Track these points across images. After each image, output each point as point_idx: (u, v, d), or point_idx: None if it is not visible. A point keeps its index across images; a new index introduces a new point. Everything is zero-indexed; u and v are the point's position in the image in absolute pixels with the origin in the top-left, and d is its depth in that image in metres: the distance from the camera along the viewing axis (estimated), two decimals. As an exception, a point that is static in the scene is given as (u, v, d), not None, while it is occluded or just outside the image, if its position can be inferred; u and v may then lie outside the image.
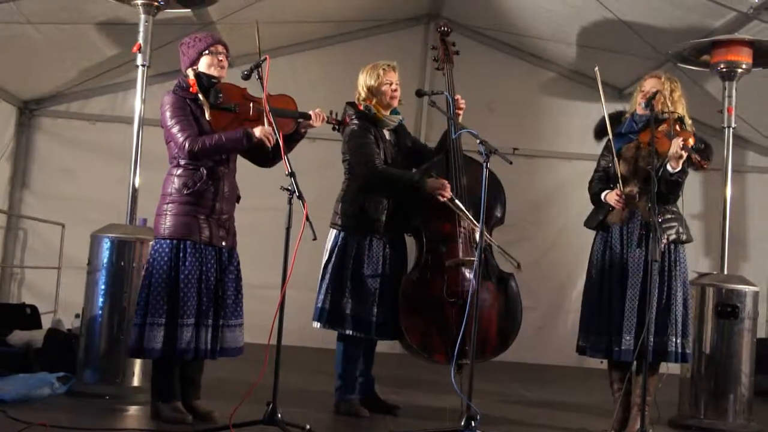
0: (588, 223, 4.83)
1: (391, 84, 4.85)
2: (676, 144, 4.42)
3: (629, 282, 4.55)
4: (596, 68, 4.84)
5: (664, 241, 4.56)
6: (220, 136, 4.23)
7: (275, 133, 4.19)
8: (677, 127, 4.53)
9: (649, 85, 4.68)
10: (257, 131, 4.24)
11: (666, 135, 4.51)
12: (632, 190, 4.62)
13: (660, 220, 4.50)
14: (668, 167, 4.48)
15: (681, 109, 4.64)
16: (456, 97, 4.95)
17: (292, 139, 4.46)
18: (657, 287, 4.51)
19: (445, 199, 4.68)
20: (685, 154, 4.42)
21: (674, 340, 4.56)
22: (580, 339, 4.75)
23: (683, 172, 4.53)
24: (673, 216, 4.66)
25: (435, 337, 4.71)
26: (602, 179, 4.83)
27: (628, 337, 4.48)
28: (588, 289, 4.77)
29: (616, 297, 4.58)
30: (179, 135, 4.22)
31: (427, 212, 4.77)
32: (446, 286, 4.72)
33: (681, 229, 4.65)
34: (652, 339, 4.45)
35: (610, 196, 4.66)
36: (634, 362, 4.50)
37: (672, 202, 4.67)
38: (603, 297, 4.64)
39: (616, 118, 4.85)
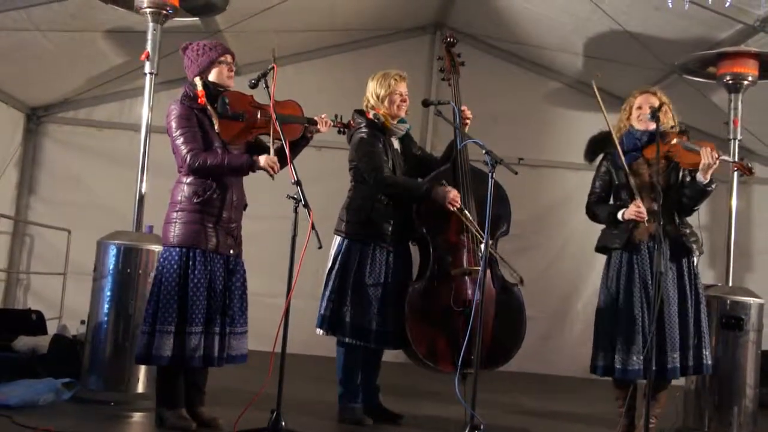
0: (608, 244, 4.65)
1: (401, 95, 4.87)
2: (707, 154, 4.38)
3: (666, 299, 4.46)
4: (593, 81, 4.84)
5: (696, 256, 4.58)
6: (223, 159, 4.23)
7: (283, 139, 4.21)
8: (685, 138, 4.53)
9: (642, 101, 4.65)
10: (262, 161, 4.25)
11: (684, 147, 4.49)
12: (651, 206, 4.53)
13: (684, 235, 4.56)
14: (699, 178, 4.46)
15: (675, 121, 4.63)
16: (462, 108, 4.97)
17: (297, 145, 4.47)
18: (688, 303, 4.51)
19: (455, 208, 4.69)
20: (717, 164, 4.40)
21: (705, 352, 4.55)
22: (600, 358, 4.57)
23: (713, 182, 4.48)
24: (691, 231, 4.66)
25: (441, 346, 4.70)
26: (602, 200, 4.76)
27: (675, 355, 4.44)
28: (610, 307, 4.59)
29: (651, 315, 4.43)
30: (183, 148, 4.23)
31: (433, 222, 4.77)
32: (453, 295, 4.72)
33: (700, 244, 4.67)
34: (690, 354, 4.48)
35: (630, 212, 4.52)
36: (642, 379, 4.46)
37: (691, 213, 4.65)
38: (636, 315, 4.49)
39: (604, 138, 4.80)
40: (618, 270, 4.61)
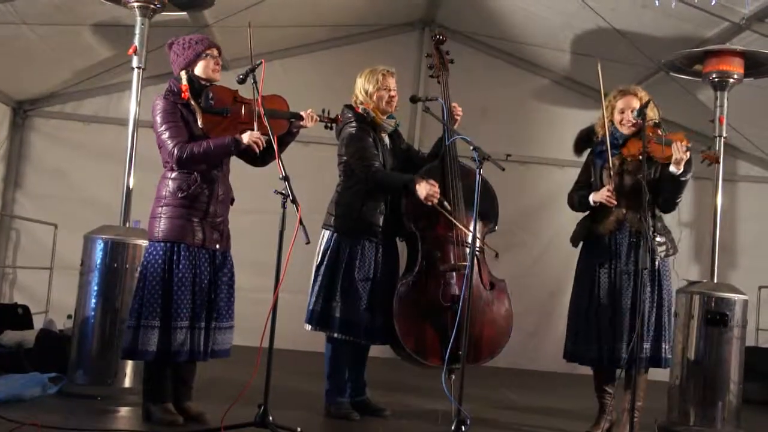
0: (574, 239, 4.85)
1: (389, 90, 4.87)
2: (678, 148, 4.44)
3: (621, 292, 4.58)
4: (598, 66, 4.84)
5: (657, 259, 4.61)
6: (208, 143, 4.22)
7: (270, 134, 4.19)
8: (659, 132, 4.57)
9: (624, 105, 4.70)
10: (245, 137, 4.24)
11: (657, 141, 4.53)
12: (621, 204, 4.63)
13: (652, 236, 4.57)
14: (672, 169, 4.51)
15: (656, 115, 4.67)
16: (453, 105, 4.97)
17: (283, 141, 4.46)
18: (648, 297, 4.55)
19: (432, 203, 4.68)
20: (687, 156, 4.45)
21: (664, 346, 4.63)
22: (567, 346, 4.80)
23: (686, 172, 4.53)
24: (664, 232, 4.71)
25: (430, 342, 4.71)
26: (582, 190, 4.85)
27: (620, 346, 4.53)
28: (576, 299, 4.79)
29: (606, 306, 4.61)
30: (169, 141, 4.23)
31: (422, 217, 4.78)
32: (441, 291, 4.73)
33: (669, 245, 4.71)
34: (647, 346, 4.53)
35: (600, 194, 4.65)
36: (622, 370, 4.53)
37: (673, 207, 4.70)
38: (593, 306, 4.66)
39: (588, 134, 4.88)
40: (583, 262, 4.80)
